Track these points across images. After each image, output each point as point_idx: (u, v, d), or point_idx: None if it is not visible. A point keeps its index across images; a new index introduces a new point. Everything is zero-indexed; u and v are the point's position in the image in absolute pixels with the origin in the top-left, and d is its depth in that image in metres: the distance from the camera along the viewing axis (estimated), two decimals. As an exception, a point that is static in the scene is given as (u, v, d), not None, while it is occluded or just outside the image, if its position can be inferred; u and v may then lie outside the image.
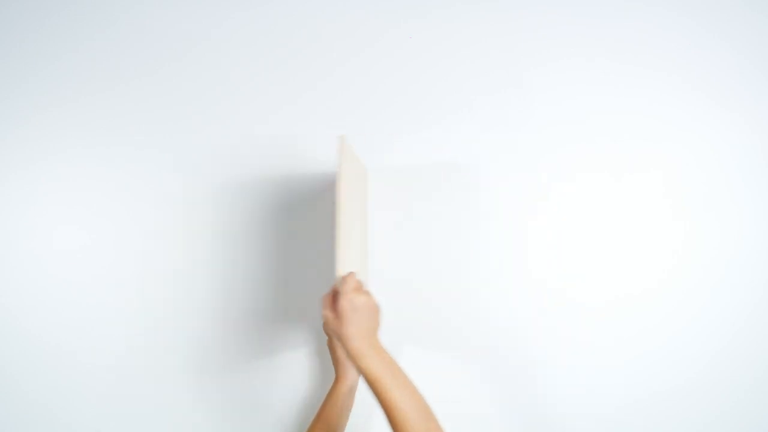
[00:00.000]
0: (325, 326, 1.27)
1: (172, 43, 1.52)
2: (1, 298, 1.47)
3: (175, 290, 1.48)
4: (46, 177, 1.50)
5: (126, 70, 1.52)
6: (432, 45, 1.54)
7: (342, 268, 1.17)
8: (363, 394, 1.42)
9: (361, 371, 1.13)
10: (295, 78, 1.52)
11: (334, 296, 1.18)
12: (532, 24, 1.54)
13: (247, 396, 1.47)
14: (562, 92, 1.53)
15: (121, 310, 1.47)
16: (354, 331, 1.14)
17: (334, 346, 1.37)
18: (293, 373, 1.47)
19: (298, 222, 1.50)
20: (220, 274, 1.49)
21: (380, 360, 1.13)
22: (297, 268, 1.49)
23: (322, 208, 1.50)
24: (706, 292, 1.50)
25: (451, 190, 1.51)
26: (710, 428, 1.48)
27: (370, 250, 1.50)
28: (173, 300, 1.48)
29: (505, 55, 1.54)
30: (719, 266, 1.51)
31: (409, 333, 1.48)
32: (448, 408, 1.47)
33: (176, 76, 1.52)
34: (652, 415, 1.48)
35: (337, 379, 1.36)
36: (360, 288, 1.19)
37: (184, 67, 1.52)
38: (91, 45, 1.52)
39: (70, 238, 1.49)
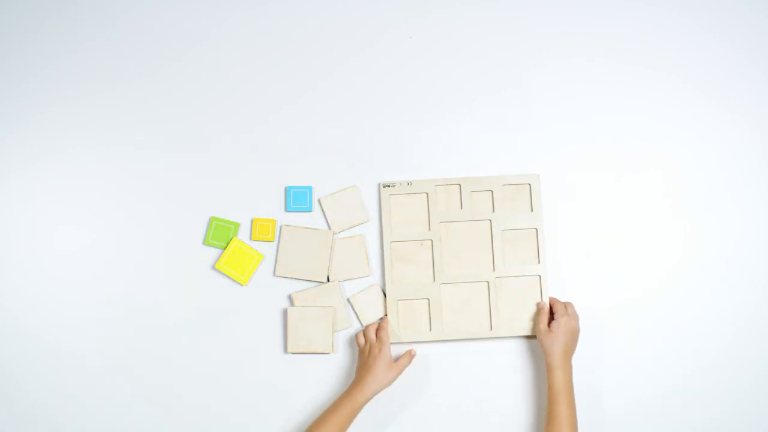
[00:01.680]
0: (539, 335, 1.43)
1: (172, 43, 1.52)
2: (1, 298, 1.47)
3: (175, 290, 1.48)
4: (46, 177, 1.50)
5: (126, 70, 1.52)
6: (432, 45, 1.54)
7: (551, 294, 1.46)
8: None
9: (552, 380, 1.36)
10: (295, 78, 1.52)
11: (551, 313, 1.44)
12: (532, 24, 1.54)
13: (248, 396, 1.47)
14: (562, 92, 1.53)
15: (121, 310, 1.47)
16: (563, 348, 1.38)
17: (367, 354, 1.40)
18: (299, 376, 1.47)
19: (299, 223, 1.50)
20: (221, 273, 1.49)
21: (568, 378, 1.37)
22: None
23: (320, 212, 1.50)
24: (706, 292, 1.50)
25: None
26: (710, 428, 1.48)
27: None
28: (174, 300, 1.47)
29: (505, 55, 1.54)
30: (719, 266, 1.51)
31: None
32: (449, 408, 1.47)
33: (176, 76, 1.52)
34: (653, 414, 1.48)
35: (359, 388, 1.36)
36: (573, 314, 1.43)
37: (184, 68, 1.52)
38: (91, 45, 1.52)
39: (70, 238, 1.49)
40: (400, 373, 1.39)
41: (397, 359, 1.40)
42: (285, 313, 1.46)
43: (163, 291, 1.48)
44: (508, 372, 1.47)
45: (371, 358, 1.39)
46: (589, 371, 1.48)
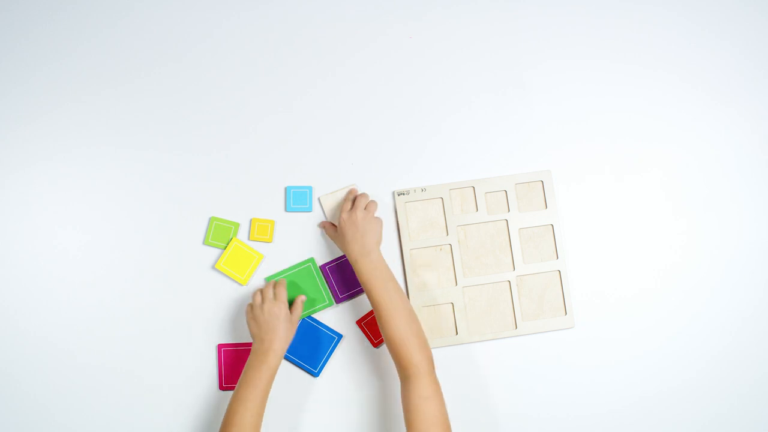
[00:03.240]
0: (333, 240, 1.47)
1: (173, 43, 1.52)
2: (1, 298, 1.47)
3: (175, 290, 1.48)
4: (46, 177, 1.50)
5: (126, 70, 1.52)
6: (432, 45, 1.54)
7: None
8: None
9: (357, 273, 1.36)
10: (295, 78, 1.52)
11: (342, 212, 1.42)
12: (532, 24, 1.54)
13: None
14: (562, 92, 1.53)
15: (121, 310, 1.47)
16: (353, 242, 1.38)
17: (265, 314, 1.37)
18: (299, 375, 1.47)
19: (299, 219, 1.50)
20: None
21: (374, 266, 1.36)
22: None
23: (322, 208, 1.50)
24: (706, 292, 1.50)
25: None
26: (710, 428, 1.48)
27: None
28: (174, 300, 1.47)
29: (505, 55, 1.54)
30: (719, 266, 1.51)
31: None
32: (449, 407, 1.47)
33: (177, 76, 1.52)
34: (653, 414, 1.48)
35: (271, 353, 1.34)
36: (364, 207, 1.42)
37: (184, 68, 1.52)
38: (91, 45, 1.52)
39: (70, 238, 1.49)
40: (296, 327, 1.39)
41: (291, 310, 1.40)
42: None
43: (163, 291, 1.48)
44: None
45: (272, 317, 1.36)
46: (589, 371, 1.48)
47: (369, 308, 1.47)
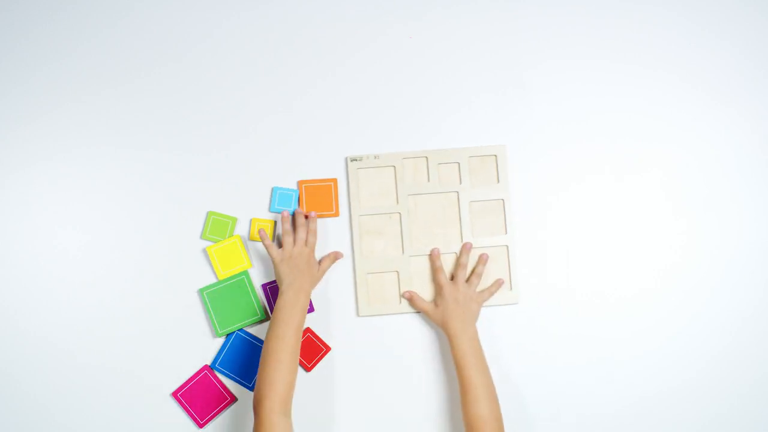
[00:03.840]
0: (429, 316, 1.46)
1: (173, 43, 1.52)
2: (1, 298, 1.47)
3: (176, 290, 1.48)
4: (46, 177, 1.50)
5: (126, 70, 1.52)
6: (432, 45, 1.54)
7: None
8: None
9: (454, 350, 1.38)
10: (295, 78, 1.52)
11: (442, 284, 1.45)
12: (532, 24, 1.54)
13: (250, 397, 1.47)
14: (562, 92, 1.53)
15: (121, 310, 1.47)
16: (455, 318, 1.41)
17: (295, 256, 1.42)
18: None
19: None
20: (220, 274, 1.49)
21: (471, 345, 1.38)
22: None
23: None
24: (706, 292, 1.50)
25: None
26: (710, 428, 1.48)
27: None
28: (174, 300, 1.47)
29: (505, 55, 1.54)
30: (719, 266, 1.51)
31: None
32: (448, 408, 1.47)
33: (177, 76, 1.52)
34: (653, 414, 1.48)
35: (303, 292, 1.38)
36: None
37: (184, 68, 1.52)
38: (91, 45, 1.52)
39: (70, 238, 1.49)
40: (321, 277, 1.45)
41: (320, 261, 1.46)
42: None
43: (163, 291, 1.48)
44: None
45: (304, 262, 1.41)
46: (589, 371, 1.48)
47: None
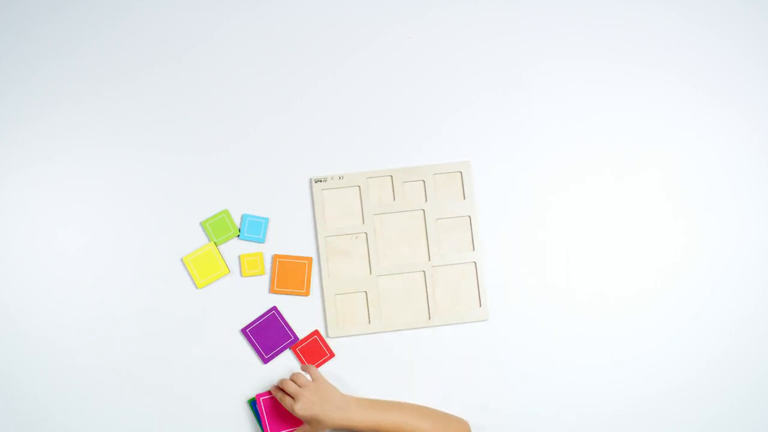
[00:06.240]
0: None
1: (173, 43, 1.52)
2: (1, 298, 1.47)
3: (176, 290, 1.48)
4: (46, 177, 1.50)
5: (126, 70, 1.52)
6: (432, 45, 1.54)
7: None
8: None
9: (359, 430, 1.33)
10: (295, 78, 1.52)
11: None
12: (532, 24, 1.54)
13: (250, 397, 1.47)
14: (562, 92, 1.54)
15: (121, 310, 1.47)
16: (327, 412, 1.33)
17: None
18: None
19: (294, 226, 1.50)
20: (220, 274, 1.49)
21: (361, 416, 1.33)
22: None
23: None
24: (706, 292, 1.50)
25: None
26: (710, 428, 1.48)
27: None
28: (174, 300, 1.47)
29: (505, 55, 1.54)
30: (719, 266, 1.51)
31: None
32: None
33: (177, 76, 1.52)
34: (653, 414, 1.48)
35: None
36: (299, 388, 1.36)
37: (184, 68, 1.52)
38: (91, 45, 1.52)
39: (70, 238, 1.49)
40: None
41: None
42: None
43: (163, 291, 1.48)
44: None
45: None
46: (589, 371, 1.48)
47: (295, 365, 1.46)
